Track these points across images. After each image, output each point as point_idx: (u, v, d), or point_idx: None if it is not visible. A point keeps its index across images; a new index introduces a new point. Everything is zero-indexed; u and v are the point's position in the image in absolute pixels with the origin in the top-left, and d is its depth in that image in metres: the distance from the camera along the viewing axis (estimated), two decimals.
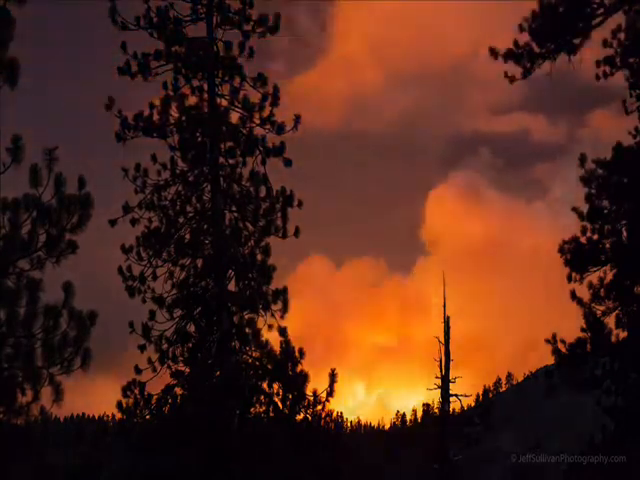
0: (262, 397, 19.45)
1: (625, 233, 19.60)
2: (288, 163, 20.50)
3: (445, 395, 32.70)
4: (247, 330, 19.56)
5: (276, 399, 19.40)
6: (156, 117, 20.26)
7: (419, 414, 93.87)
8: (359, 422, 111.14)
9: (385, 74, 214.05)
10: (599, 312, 19.41)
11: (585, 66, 19.06)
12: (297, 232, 20.33)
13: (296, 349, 19.41)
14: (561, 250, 19.86)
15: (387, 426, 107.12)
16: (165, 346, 19.65)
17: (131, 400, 19.50)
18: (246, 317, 19.72)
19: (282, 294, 19.77)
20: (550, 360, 20.08)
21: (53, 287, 10.47)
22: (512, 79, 19.37)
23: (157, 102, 20.28)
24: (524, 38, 19.08)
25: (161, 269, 20.13)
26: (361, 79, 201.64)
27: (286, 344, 19.48)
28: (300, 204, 20.38)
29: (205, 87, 20.40)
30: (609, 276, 19.51)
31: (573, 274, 19.75)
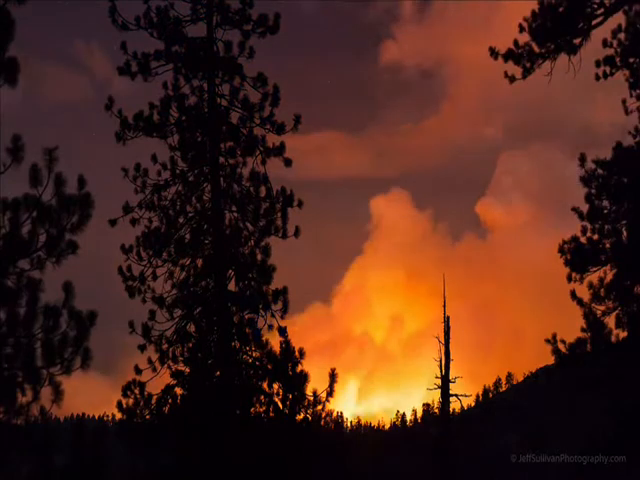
0: (262, 397, 19.45)
1: (625, 233, 19.63)
2: (288, 163, 20.50)
3: (445, 395, 32.74)
4: (247, 330, 19.57)
5: (276, 399, 19.39)
6: (156, 117, 20.27)
7: (419, 414, 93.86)
8: (359, 422, 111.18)
9: (503, 128, 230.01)
10: (599, 312, 19.42)
11: (585, 66, 19.09)
12: (297, 232, 20.32)
13: (296, 349, 19.42)
14: (561, 250, 19.88)
15: (387, 426, 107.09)
16: (165, 346, 19.65)
17: (131, 400, 19.50)
18: (246, 317, 19.73)
19: (282, 294, 19.77)
20: (550, 360, 20.11)
21: (53, 287, 10.47)
22: (512, 79, 19.40)
23: (157, 102, 20.31)
24: (524, 38, 19.12)
25: (161, 269, 20.15)
26: (477, 131, 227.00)
27: (286, 344, 19.47)
28: (300, 204, 20.37)
29: (205, 87, 20.40)
30: (609, 276, 19.54)
31: (573, 274, 19.78)
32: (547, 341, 19.52)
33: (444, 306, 34.01)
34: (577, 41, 18.87)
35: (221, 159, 20.32)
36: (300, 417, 19.46)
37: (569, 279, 19.81)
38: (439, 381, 32.70)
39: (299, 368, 19.33)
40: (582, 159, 20.04)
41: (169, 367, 19.58)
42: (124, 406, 19.52)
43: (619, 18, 19.07)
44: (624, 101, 19.80)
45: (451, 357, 33.05)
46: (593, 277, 19.65)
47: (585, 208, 19.84)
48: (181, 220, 20.23)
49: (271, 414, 19.38)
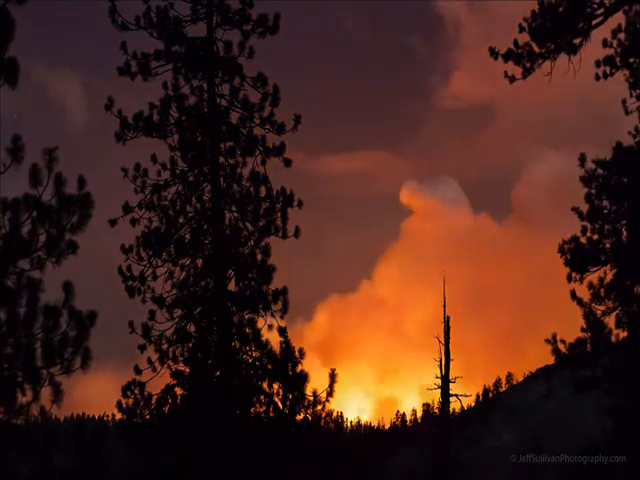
0: (262, 397, 19.45)
1: (625, 233, 19.64)
2: (288, 163, 20.50)
3: (445, 395, 32.74)
4: (247, 330, 19.56)
5: (276, 399, 19.40)
6: (156, 117, 20.27)
7: (419, 414, 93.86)
8: (359, 422, 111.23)
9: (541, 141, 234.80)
10: (599, 312, 19.44)
11: (585, 66, 19.10)
12: (297, 232, 20.32)
13: (296, 349, 19.42)
14: (561, 250, 19.89)
15: (387, 426, 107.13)
16: (165, 346, 19.65)
17: (131, 400, 19.49)
18: (246, 317, 19.73)
19: (282, 294, 19.77)
20: (550, 360, 20.12)
21: (53, 287, 10.47)
22: (512, 79, 19.41)
23: (157, 102, 20.31)
24: (524, 38, 19.13)
25: (161, 269, 20.14)
26: (520, 153, 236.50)
27: (286, 344, 19.48)
28: (300, 204, 20.37)
29: (205, 87, 20.40)
30: (609, 276, 19.56)
31: (573, 274, 19.79)
32: (547, 341, 19.53)
33: (444, 306, 34.03)
34: (577, 41, 18.88)
35: (221, 159, 20.32)
36: (300, 417, 19.47)
37: (569, 279, 19.82)
38: (439, 381, 32.70)
39: (299, 368, 19.34)
40: (582, 159, 20.05)
41: (169, 367, 19.58)
42: (124, 406, 19.52)
43: (619, 18, 19.11)
44: (624, 101, 19.82)
45: (451, 357, 33.07)
46: (593, 277, 19.69)
47: (585, 208, 19.86)
48: (181, 220, 20.24)
49: (271, 414, 19.39)
